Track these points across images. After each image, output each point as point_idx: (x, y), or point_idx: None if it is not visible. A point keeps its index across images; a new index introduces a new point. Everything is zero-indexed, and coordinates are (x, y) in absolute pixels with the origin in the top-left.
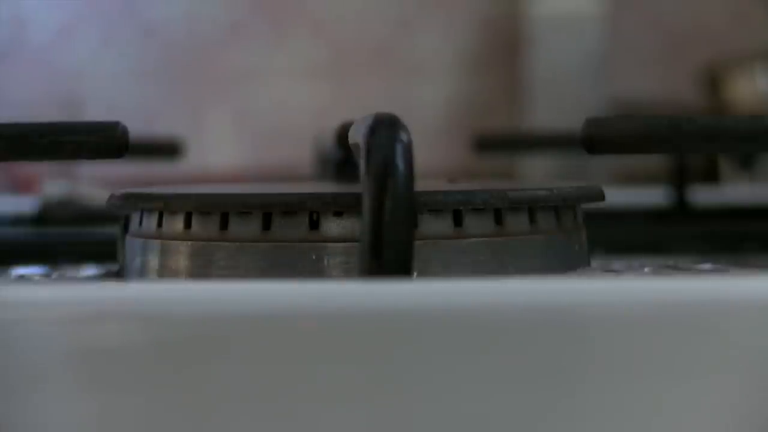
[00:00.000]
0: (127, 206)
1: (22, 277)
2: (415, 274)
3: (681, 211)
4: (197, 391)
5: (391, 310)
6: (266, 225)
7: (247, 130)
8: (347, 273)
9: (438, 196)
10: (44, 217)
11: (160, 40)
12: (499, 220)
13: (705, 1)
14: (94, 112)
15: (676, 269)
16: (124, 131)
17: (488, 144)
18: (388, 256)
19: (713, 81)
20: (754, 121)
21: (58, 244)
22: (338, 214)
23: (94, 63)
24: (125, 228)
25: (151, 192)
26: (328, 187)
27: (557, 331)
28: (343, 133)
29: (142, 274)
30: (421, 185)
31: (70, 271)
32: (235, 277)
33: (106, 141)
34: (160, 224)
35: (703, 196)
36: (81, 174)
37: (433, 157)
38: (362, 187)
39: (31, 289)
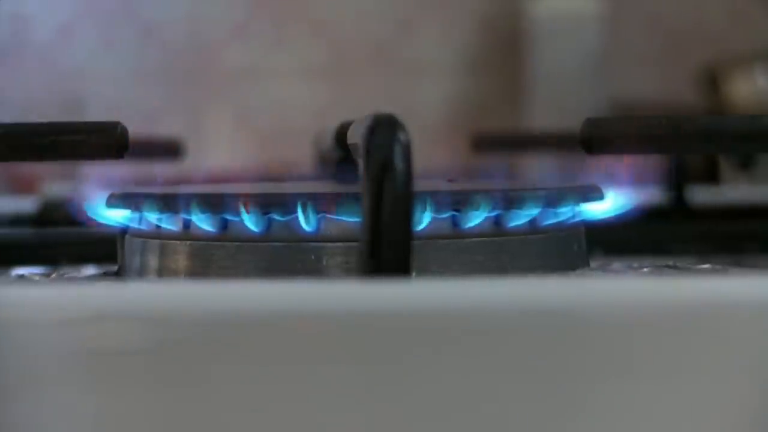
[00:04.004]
0: (127, 206)
1: (22, 277)
2: (413, 273)
3: (680, 211)
4: (197, 391)
5: (389, 310)
6: (266, 225)
7: (247, 130)
8: (347, 273)
9: (437, 196)
10: (44, 217)
11: (161, 40)
12: (498, 219)
13: (704, 1)
14: (94, 112)
15: (676, 269)
16: (124, 131)
17: (488, 144)
18: (386, 255)
19: (713, 81)
20: (754, 121)
21: (58, 244)
22: (337, 214)
23: (95, 63)
24: (125, 228)
25: (151, 192)
26: (328, 187)
27: (557, 331)
28: (342, 133)
29: (142, 274)
30: (420, 185)
31: (70, 271)
32: (234, 277)
33: (106, 141)
34: (159, 224)
35: (702, 196)
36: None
37: (433, 157)
38: (361, 187)
39: (31, 289)
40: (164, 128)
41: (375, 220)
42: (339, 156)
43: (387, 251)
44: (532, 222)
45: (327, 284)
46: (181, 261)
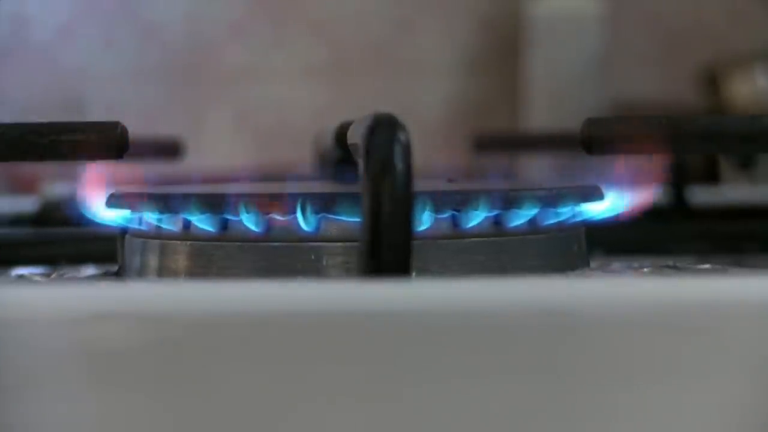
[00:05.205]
0: (127, 206)
1: (22, 277)
2: (413, 273)
3: (681, 211)
4: (197, 391)
5: (389, 310)
6: (266, 225)
7: (247, 130)
8: (347, 273)
9: (437, 196)
10: (44, 217)
11: (160, 40)
12: (498, 219)
13: (704, 1)
14: (94, 112)
15: (676, 269)
16: (124, 131)
17: (488, 144)
18: (386, 256)
19: (713, 81)
20: (754, 121)
21: (58, 244)
22: (337, 214)
23: (95, 63)
24: (125, 228)
25: (151, 192)
26: (328, 187)
27: (557, 331)
28: (341, 133)
29: (142, 274)
30: (420, 185)
31: (70, 271)
32: (235, 277)
33: (106, 141)
34: (159, 224)
35: (703, 196)
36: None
37: (433, 157)
38: (361, 187)
39: (31, 289)
40: (164, 128)
41: (375, 220)
42: (339, 156)
43: (387, 251)
44: (532, 222)
45: (327, 284)
46: (181, 261)
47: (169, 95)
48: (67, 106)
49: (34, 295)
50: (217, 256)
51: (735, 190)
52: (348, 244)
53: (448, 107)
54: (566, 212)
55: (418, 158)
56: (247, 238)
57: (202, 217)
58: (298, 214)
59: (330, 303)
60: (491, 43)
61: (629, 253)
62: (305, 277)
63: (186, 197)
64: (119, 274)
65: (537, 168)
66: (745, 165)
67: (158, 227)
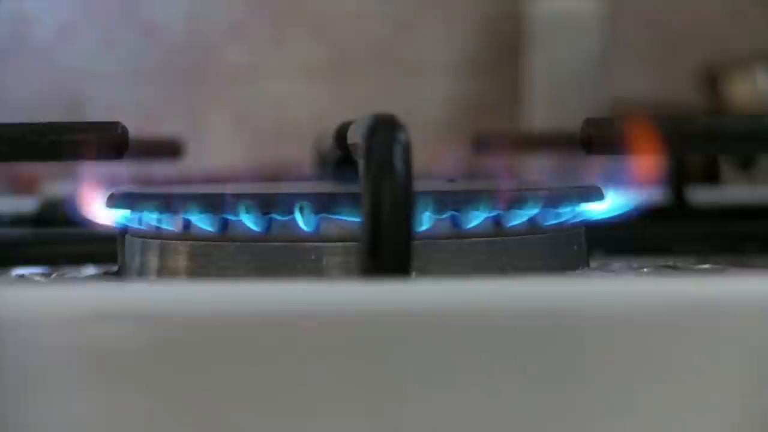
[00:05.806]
0: (127, 206)
1: (22, 277)
2: (413, 273)
3: (681, 211)
4: (197, 390)
5: (389, 310)
6: (266, 225)
7: (247, 130)
8: (347, 273)
9: (437, 196)
10: (44, 217)
11: (161, 40)
12: (498, 219)
13: (704, 1)
14: (95, 112)
15: (675, 269)
16: (124, 131)
17: (488, 144)
18: (386, 256)
19: (713, 81)
20: (754, 121)
21: (58, 244)
22: (337, 214)
23: (95, 63)
24: (125, 228)
25: (151, 192)
26: (328, 187)
27: (556, 331)
28: (341, 133)
29: (142, 274)
30: (420, 185)
31: (70, 271)
32: (234, 277)
33: (106, 141)
34: (159, 224)
35: (703, 196)
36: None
37: (433, 157)
38: (361, 187)
39: (31, 289)
40: (164, 128)
41: (375, 220)
42: (339, 156)
43: (387, 251)
44: (532, 222)
45: (327, 284)
46: (181, 261)
47: (169, 95)
48: (67, 106)
49: (34, 295)
50: (217, 256)
51: (735, 190)
52: (348, 244)
53: (448, 107)
54: (566, 212)
55: (418, 158)
56: (247, 238)
57: (202, 217)
58: (298, 214)
59: (330, 303)
60: (492, 44)
61: (629, 253)
62: (305, 277)
63: (186, 197)
64: (119, 274)
65: (537, 168)
66: (745, 165)
67: (158, 227)
